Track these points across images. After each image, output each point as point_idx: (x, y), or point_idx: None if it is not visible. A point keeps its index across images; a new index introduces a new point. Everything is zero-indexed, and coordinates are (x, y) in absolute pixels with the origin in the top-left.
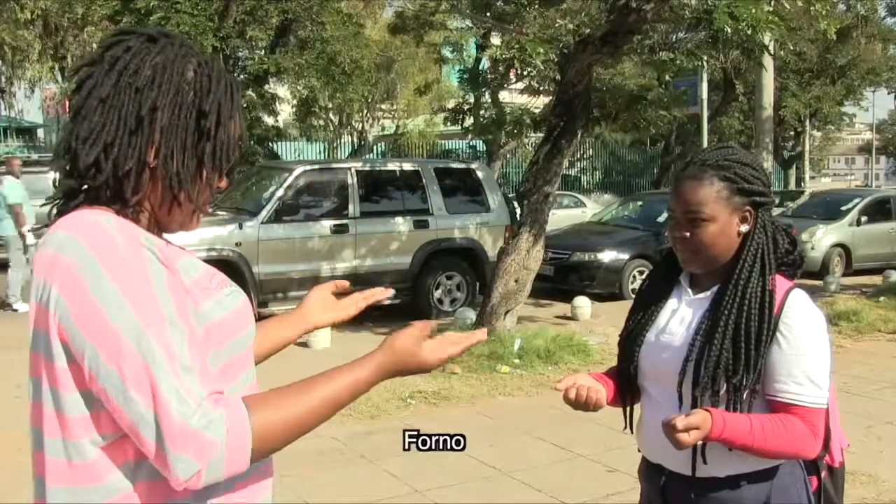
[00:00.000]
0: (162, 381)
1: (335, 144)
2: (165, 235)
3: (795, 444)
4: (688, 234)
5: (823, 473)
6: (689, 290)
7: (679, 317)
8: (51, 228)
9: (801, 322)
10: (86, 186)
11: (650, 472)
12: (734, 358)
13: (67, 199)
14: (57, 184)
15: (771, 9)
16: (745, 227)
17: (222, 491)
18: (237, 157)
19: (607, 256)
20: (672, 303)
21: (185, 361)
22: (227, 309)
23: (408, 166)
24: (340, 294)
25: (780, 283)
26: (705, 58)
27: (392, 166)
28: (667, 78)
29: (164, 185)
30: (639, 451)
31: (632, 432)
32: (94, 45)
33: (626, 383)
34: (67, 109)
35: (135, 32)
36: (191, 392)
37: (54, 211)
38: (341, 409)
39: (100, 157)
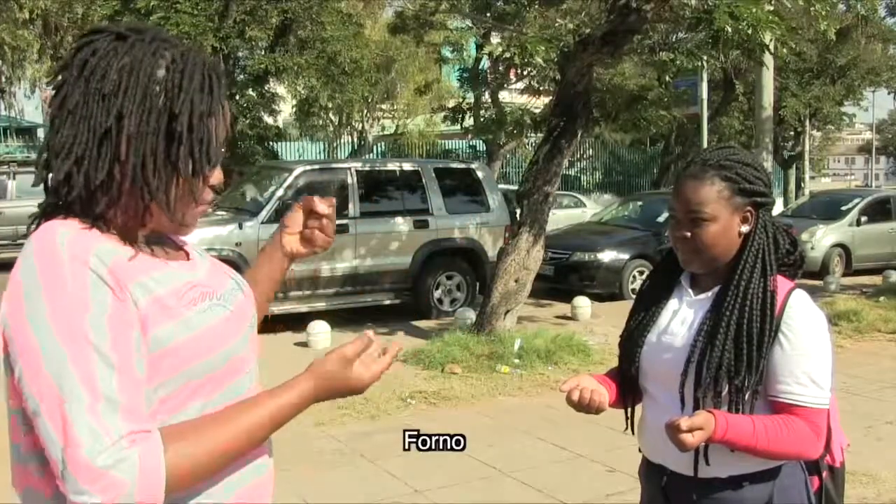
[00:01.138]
0: (74, 415)
1: (335, 144)
2: (173, 237)
3: (798, 445)
4: (689, 233)
5: (825, 473)
6: (690, 291)
7: (680, 317)
8: (28, 238)
9: (802, 323)
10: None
11: (651, 472)
12: (736, 359)
13: (46, 212)
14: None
15: (771, 8)
16: (745, 228)
17: (221, 494)
18: (220, 156)
19: (607, 256)
20: (673, 303)
21: (110, 394)
22: (196, 328)
23: (408, 166)
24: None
25: (782, 283)
26: (705, 58)
27: (392, 166)
28: (667, 78)
29: (135, 194)
30: (639, 451)
31: (633, 433)
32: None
33: (628, 384)
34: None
35: (104, 31)
36: (107, 429)
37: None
38: (266, 436)
39: (72, 171)
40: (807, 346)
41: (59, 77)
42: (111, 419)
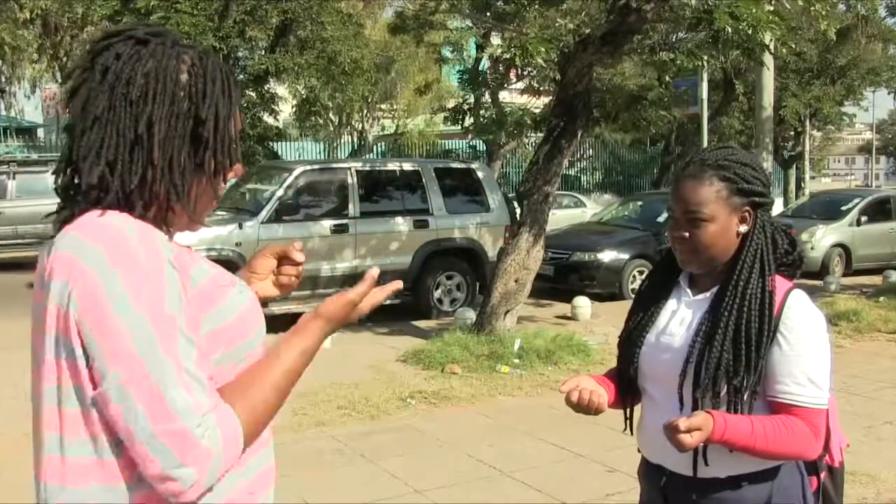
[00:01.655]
0: (169, 394)
1: (335, 144)
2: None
3: (797, 446)
4: (687, 234)
5: (823, 473)
6: (689, 291)
7: (679, 318)
8: (65, 229)
9: (801, 323)
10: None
11: (651, 472)
12: (735, 359)
13: (70, 213)
14: (59, 194)
15: (771, 8)
16: (744, 228)
17: (226, 491)
18: (237, 158)
19: (607, 256)
20: (671, 304)
21: (194, 371)
22: (238, 308)
23: (408, 166)
24: (283, 260)
25: (780, 283)
26: (705, 58)
27: (392, 166)
28: (667, 78)
29: (163, 195)
30: (639, 451)
31: (632, 433)
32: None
33: (627, 384)
34: (67, 110)
35: (123, 34)
36: (199, 404)
37: (60, 215)
38: (297, 380)
39: (104, 175)
40: (805, 346)
41: (78, 78)
42: (199, 394)
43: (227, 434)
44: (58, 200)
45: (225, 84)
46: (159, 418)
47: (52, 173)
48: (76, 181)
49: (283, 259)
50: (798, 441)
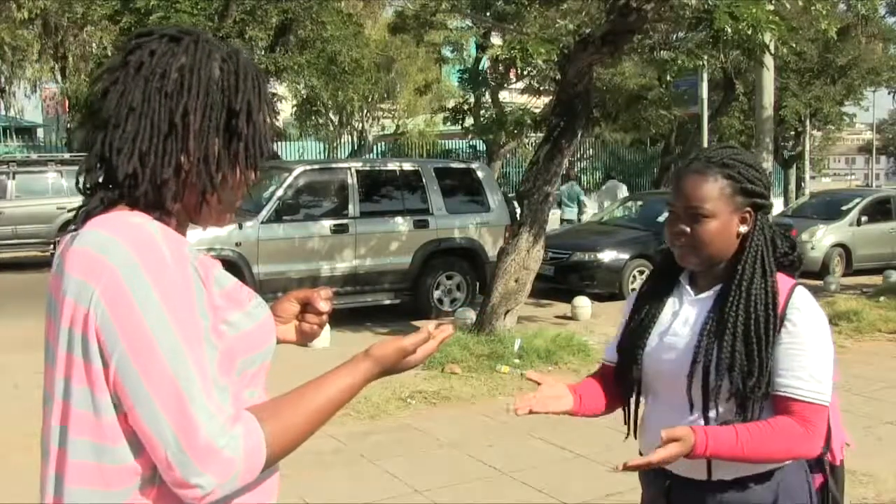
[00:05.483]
0: (193, 400)
1: (335, 144)
2: None
3: (790, 444)
4: (687, 229)
5: (827, 471)
6: (690, 290)
7: (682, 317)
8: (85, 227)
9: (805, 319)
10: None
11: (654, 475)
12: (748, 359)
13: (100, 203)
14: (85, 191)
15: (772, 8)
16: (744, 228)
17: (233, 496)
18: (269, 150)
19: (607, 256)
20: (673, 303)
21: (218, 380)
22: (256, 320)
23: (408, 166)
24: (305, 305)
25: (784, 281)
26: (705, 58)
27: (392, 166)
28: (667, 78)
29: (198, 187)
30: (640, 453)
31: (635, 437)
32: (95, 45)
33: (628, 387)
34: (67, 109)
35: (155, 33)
36: (222, 411)
37: (80, 211)
38: (334, 413)
39: (136, 167)
40: (808, 342)
41: (111, 76)
42: (222, 401)
43: (250, 446)
44: (57, 201)
45: (255, 79)
46: (183, 426)
47: (79, 169)
48: (105, 175)
49: (308, 306)
50: (789, 439)
